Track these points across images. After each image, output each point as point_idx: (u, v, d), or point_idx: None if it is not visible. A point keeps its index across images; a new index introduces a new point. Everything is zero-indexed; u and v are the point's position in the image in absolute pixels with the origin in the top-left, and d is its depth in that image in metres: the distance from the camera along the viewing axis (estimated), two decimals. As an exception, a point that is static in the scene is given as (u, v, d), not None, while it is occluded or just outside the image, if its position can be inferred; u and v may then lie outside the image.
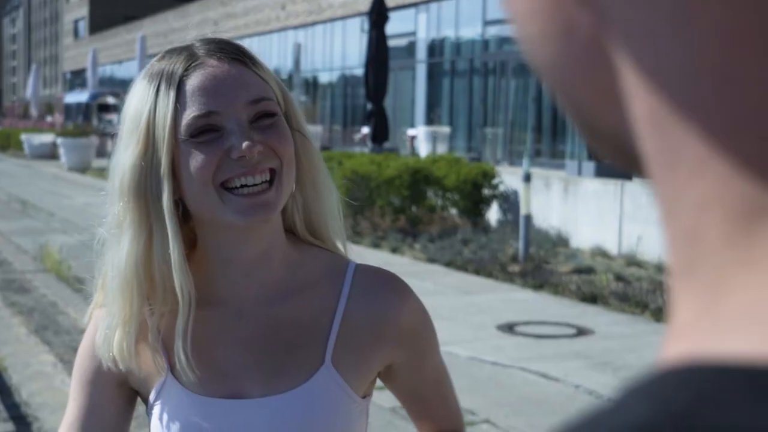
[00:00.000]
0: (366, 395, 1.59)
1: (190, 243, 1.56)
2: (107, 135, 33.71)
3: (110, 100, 43.21)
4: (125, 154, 1.51)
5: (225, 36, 1.60)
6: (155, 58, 1.56)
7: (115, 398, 1.61)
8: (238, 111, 1.48)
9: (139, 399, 1.64)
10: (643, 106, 0.28)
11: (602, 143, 0.31)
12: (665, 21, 0.26)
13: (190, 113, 1.46)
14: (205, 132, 1.47)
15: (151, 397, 1.58)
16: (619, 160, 0.31)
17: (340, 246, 1.64)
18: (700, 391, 0.23)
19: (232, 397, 1.54)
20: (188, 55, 1.51)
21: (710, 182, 0.26)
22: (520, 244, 11.16)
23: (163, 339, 1.57)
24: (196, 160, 1.46)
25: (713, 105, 0.25)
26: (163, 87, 1.48)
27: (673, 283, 0.27)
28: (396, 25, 21.95)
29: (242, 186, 1.47)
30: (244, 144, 1.45)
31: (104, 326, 1.56)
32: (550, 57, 0.30)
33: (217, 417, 1.53)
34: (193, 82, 1.48)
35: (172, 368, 1.57)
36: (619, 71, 0.28)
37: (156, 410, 1.57)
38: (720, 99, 0.25)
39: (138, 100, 1.51)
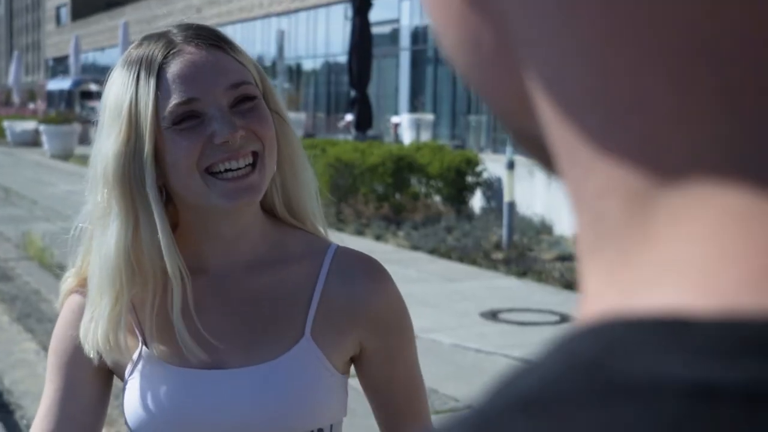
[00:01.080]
0: (344, 372, 1.60)
1: (172, 224, 1.57)
2: (90, 122, 33.32)
3: (93, 87, 42.99)
4: (107, 142, 1.52)
5: (210, 24, 1.61)
6: (132, 45, 1.57)
7: (92, 379, 1.62)
8: (218, 97, 1.50)
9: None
10: (545, 110, 0.29)
11: (523, 143, 0.33)
12: (551, 26, 0.28)
13: (171, 101, 1.48)
14: (187, 119, 1.49)
15: (126, 372, 1.59)
16: (539, 160, 0.33)
17: (320, 229, 1.67)
18: (608, 342, 0.24)
19: (210, 368, 1.55)
20: (166, 42, 1.52)
21: (602, 176, 0.27)
22: (504, 232, 11.18)
23: (135, 313, 1.57)
24: (179, 147, 1.48)
25: (591, 104, 0.27)
26: (143, 75, 1.50)
27: (582, 264, 0.29)
28: (379, 12, 21.92)
29: (226, 170, 1.49)
30: (227, 130, 1.47)
31: (87, 318, 1.56)
32: (465, 64, 0.32)
33: (196, 387, 1.53)
34: (172, 69, 1.49)
35: (145, 342, 1.57)
36: (524, 78, 0.30)
37: (131, 385, 1.57)
38: (596, 98, 0.27)
39: (118, 88, 1.52)
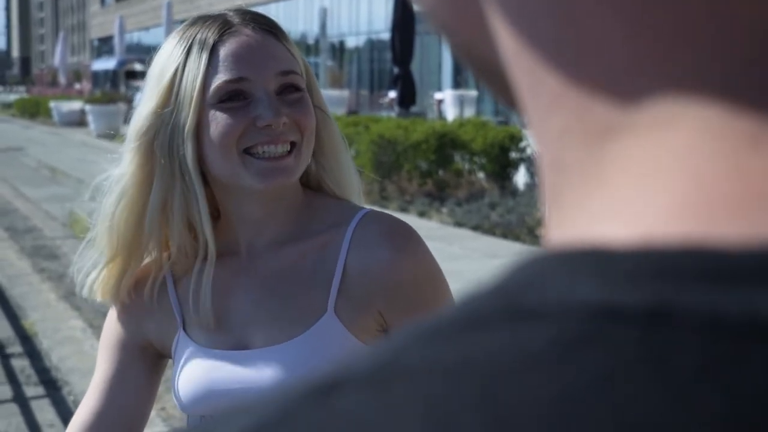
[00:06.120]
0: None
1: (213, 211, 1.62)
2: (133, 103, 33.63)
3: (137, 66, 43.28)
4: (144, 106, 1.55)
5: (253, 2, 1.62)
6: (187, 23, 1.60)
7: (138, 362, 1.64)
8: (267, 80, 1.52)
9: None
10: (507, 43, 0.29)
11: (484, 77, 0.33)
12: None
13: (220, 77, 1.50)
14: (233, 98, 1.51)
15: (171, 353, 1.63)
16: (501, 97, 0.32)
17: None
18: (529, 272, 0.25)
19: (235, 348, 1.56)
20: (223, 22, 1.55)
21: (566, 112, 0.27)
22: (548, 208, 11.12)
23: (178, 297, 1.62)
24: (221, 124, 1.50)
25: (561, 36, 0.27)
26: (195, 50, 1.52)
27: (546, 212, 0.29)
28: (422, -12, 21.79)
29: (264, 152, 1.51)
30: (273, 113, 1.49)
31: (88, 261, 1.64)
32: (431, 6, 0.32)
33: (222, 369, 1.55)
34: (226, 48, 1.52)
35: (184, 324, 1.61)
36: (486, 11, 0.29)
37: (174, 365, 1.62)
38: (566, 30, 0.27)
39: (165, 59, 1.55)
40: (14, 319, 7.47)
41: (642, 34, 0.25)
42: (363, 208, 1.60)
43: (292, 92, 1.53)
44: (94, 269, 1.63)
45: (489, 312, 0.24)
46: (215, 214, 1.62)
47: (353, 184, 1.65)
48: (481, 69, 0.32)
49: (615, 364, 0.21)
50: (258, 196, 1.55)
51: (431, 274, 1.55)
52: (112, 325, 1.66)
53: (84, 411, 1.62)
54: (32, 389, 5.86)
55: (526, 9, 0.27)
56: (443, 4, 0.31)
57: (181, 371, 1.58)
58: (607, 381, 0.21)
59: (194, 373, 1.56)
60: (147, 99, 1.55)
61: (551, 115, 0.28)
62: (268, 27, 1.56)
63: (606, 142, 0.26)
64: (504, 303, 0.24)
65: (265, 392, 0.26)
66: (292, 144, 1.52)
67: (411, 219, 11.57)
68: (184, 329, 1.60)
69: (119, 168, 1.58)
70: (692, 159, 0.24)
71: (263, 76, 1.51)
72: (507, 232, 10.84)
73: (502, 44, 0.29)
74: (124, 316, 1.65)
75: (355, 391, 0.23)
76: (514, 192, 13.26)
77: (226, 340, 1.57)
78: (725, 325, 0.21)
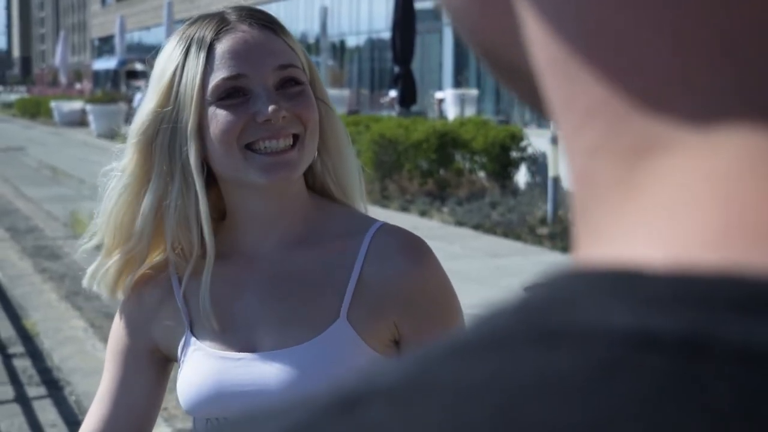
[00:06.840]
0: (391, 355, 1.56)
1: (220, 212, 1.62)
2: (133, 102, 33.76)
3: (138, 66, 43.22)
4: (144, 105, 1.57)
5: (253, 2, 1.63)
6: (186, 23, 1.61)
7: (146, 367, 1.64)
8: (265, 75, 1.52)
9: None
10: (542, 50, 0.28)
11: (511, 83, 0.32)
12: None
13: (218, 75, 1.51)
14: (233, 95, 1.51)
15: (177, 357, 1.62)
16: (529, 102, 0.32)
17: (362, 207, 1.67)
18: (558, 292, 0.24)
19: (245, 350, 1.55)
20: (220, 20, 1.56)
21: (601, 126, 0.27)
22: (549, 207, 11.12)
23: (185, 298, 1.62)
24: (221, 122, 1.51)
25: (602, 48, 0.26)
26: (193, 49, 1.53)
27: (575, 226, 0.28)
28: (423, -13, 21.80)
29: (266, 148, 1.51)
30: (270, 108, 1.49)
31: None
32: (457, 3, 0.31)
33: (230, 372, 1.54)
34: (223, 45, 1.52)
35: (191, 326, 1.60)
36: (519, 16, 0.29)
37: (181, 369, 1.60)
38: (607, 42, 0.26)
39: (165, 60, 1.56)
40: (16, 319, 7.47)
41: (685, 49, 0.25)
42: (377, 220, 1.61)
43: (293, 86, 1.53)
44: (95, 260, 1.65)
45: (514, 331, 0.24)
46: (221, 215, 1.62)
47: (356, 184, 1.65)
48: (505, 71, 0.32)
49: (647, 392, 0.21)
50: (263, 192, 1.55)
51: (444, 287, 1.57)
52: (118, 330, 1.66)
53: (92, 420, 1.62)
54: (34, 389, 5.86)
55: (563, 17, 0.27)
56: (472, 4, 0.31)
57: (187, 373, 1.57)
58: (639, 409, 0.21)
59: (201, 375, 1.55)
60: (148, 99, 1.56)
61: (585, 127, 0.27)
62: (265, 22, 1.56)
63: (641, 159, 0.26)
64: (530, 323, 0.24)
65: (287, 401, 0.26)
66: (295, 137, 1.52)
67: (412, 218, 11.59)
68: (191, 331, 1.60)
69: (121, 162, 1.59)
70: (731, 183, 0.24)
71: (261, 72, 1.52)
72: (508, 231, 10.84)
73: (534, 50, 0.29)
74: (130, 321, 1.65)
75: (378, 405, 0.23)
76: (515, 191, 13.25)
77: (234, 342, 1.56)
78: (760, 356, 0.21)
